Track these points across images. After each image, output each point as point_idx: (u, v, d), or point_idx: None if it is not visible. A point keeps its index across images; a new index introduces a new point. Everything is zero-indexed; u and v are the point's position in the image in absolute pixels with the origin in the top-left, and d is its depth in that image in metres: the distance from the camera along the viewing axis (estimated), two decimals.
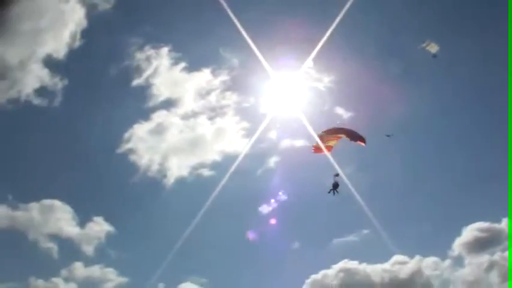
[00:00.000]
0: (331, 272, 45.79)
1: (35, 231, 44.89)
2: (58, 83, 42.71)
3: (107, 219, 43.23)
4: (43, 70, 42.05)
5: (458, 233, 44.34)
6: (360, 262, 45.76)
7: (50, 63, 42.77)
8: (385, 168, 55.88)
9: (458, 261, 44.71)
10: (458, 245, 44.18)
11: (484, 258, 37.09)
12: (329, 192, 15.33)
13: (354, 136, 13.74)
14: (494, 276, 36.96)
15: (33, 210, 41.66)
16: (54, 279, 41.67)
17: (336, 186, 15.35)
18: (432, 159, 53.55)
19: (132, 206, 49.73)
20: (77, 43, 43.02)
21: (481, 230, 36.38)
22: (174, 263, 44.67)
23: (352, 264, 46.21)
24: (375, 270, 45.82)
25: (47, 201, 42.59)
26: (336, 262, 46.39)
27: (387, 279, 45.36)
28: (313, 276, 46.45)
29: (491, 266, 36.59)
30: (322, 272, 46.37)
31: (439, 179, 52.19)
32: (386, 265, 45.85)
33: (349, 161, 50.26)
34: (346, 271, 45.70)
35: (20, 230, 43.33)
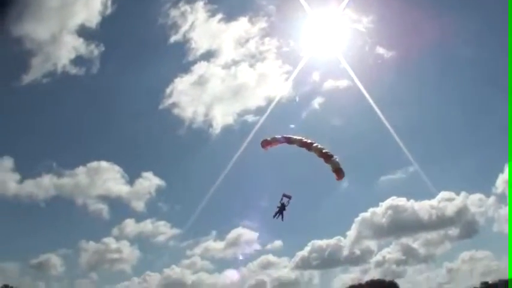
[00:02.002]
0: (380, 210, 46.20)
1: (82, 195, 48.46)
2: (94, 51, 44.21)
3: (156, 174, 45.98)
4: (77, 40, 43.51)
5: (501, 170, 42.37)
6: (408, 199, 45.66)
7: (83, 32, 44.02)
8: (430, 105, 53.15)
9: (502, 199, 43.27)
10: (501, 182, 42.41)
11: None
12: (274, 216, 13.33)
13: (336, 169, 12.10)
14: None
15: (80, 175, 44.68)
16: (105, 240, 45.35)
17: (282, 208, 13.22)
18: (476, 97, 49.97)
19: (180, 158, 52.26)
20: (109, 10, 43.53)
21: None
22: (225, 209, 47.28)
23: (400, 201, 46.15)
24: (423, 206, 45.45)
25: (94, 164, 45.51)
26: (383, 199, 46.60)
27: (434, 216, 45.01)
28: (362, 214, 47.27)
29: None
30: (370, 210, 46.94)
31: (481, 116, 49.07)
32: (434, 201, 45.29)
33: (392, 101, 48.30)
34: (394, 208, 45.82)
35: (67, 197, 47.00)
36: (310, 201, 46.07)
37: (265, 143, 12.70)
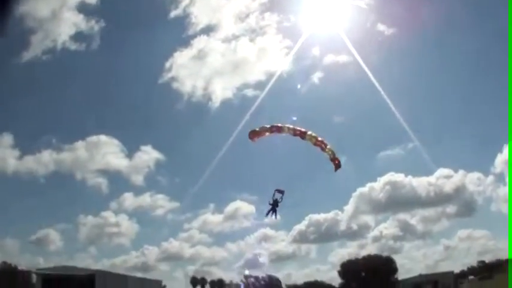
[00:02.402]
0: (378, 185, 45.68)
1: (82, 169, 47.95)
2: (94, 26, 42.85)
3: (155, 147, 45.34)
4: (77, 16, 42.16)
5: (499, 150, 41.69)
6: (406, 175, 45.07)
7: (83, 8, 42.63)
8: (430, 82, 51.94)
9: (501, 178, 42.72)
10: (500, 162, 41.84)
11: None
12: (267, 215, 12.32)
13: (334, 158, 11.17)
14: None
15: (79, 149, 44.14)
16: (104, 214, 45.19)
17: (276, 204, 12.05)
18: (476, 76, 48.72)
19: (179, 132, 51.46)
20: None
21: None
22: (223, 183, 46.90)
23: (398, 177, 45.52)
24: (421, 183, 44.82)
25: (93, 138, 44.84)
26: (382, 175, 46.05)
27: (432, 193, 44.58)
28: (360, 189, 46.79)
29: None
30: (368, 185, 46.41)
31: (482, 95, 48.10)
32: (432, 178, 44.69)
33: (392, 77, 47.14)
34: (392, 184, 45.19)
35: (66, 172, 46.56)
36: (308, 175, 45.65)
37: (253, 134, 11.56)
